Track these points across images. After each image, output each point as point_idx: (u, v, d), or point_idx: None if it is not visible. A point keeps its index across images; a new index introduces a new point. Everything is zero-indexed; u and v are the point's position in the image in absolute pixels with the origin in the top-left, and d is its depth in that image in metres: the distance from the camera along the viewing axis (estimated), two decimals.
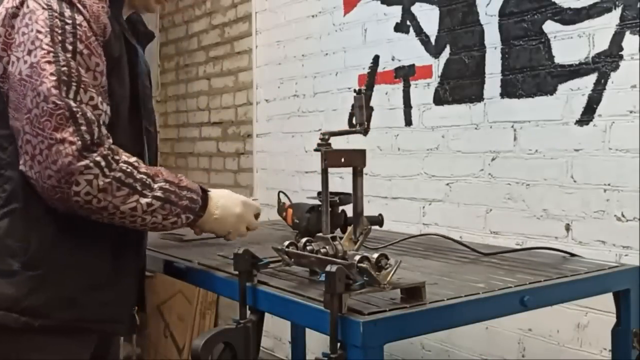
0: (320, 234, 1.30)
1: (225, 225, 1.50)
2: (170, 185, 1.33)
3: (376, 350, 1.07)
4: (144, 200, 1.28)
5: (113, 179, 1.24)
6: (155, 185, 1.30)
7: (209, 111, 4.16)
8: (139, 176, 1.28)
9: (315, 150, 1.27)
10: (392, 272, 1.14)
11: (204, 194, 1.44)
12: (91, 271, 1.35)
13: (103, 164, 1.23)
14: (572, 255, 1.68)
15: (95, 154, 1.23)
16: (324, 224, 1.29)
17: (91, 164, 1.22)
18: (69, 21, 1.26)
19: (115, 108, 1.34)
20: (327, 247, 1.26)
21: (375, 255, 1.14)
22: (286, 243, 1.34)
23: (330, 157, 1.27)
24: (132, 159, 1.29)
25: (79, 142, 1.21)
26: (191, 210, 1.38)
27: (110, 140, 1.28)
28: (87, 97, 1.24)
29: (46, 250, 1.30)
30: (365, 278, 1.14)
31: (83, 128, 1.22)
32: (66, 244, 1.32)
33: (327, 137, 1.27)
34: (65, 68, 1.23)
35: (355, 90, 1.32)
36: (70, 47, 1.24)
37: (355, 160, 1.31)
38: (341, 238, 1.29)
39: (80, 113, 1.23)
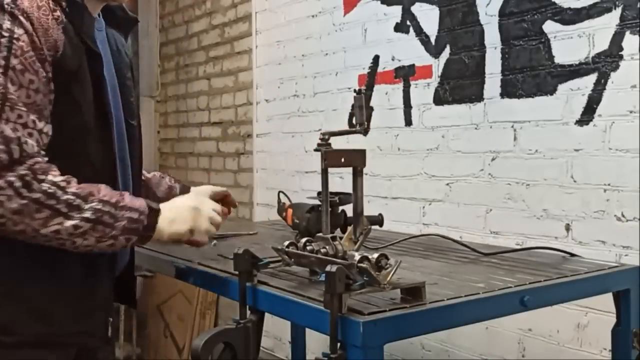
0: (320, 234, 1.30)
1: (183, 225, 1.36)
2: (104, 206, 1.22)
3: (376, 350, 1.07)
4: (68, 223, 1.19)
5: (30, 200, 1.16)
6: (86, 206, 1.20)
7: (209, 111, 4.16)
8: (64, 197, 1.19)
9: (316, 150, 1.27)
10: (392, 272, 1.14)
11: (152, 212, 1.30)
12: (61, 282, 1.30)
13: (18, 184, 1.15)
14: (572, 255, 1.68)
15: (10, 174, 1.15)
16: (324, 224, 1.29)
17: (4, 185, 1.14)
18: (6, 34, 1.18)
19: (81, 119, 1.27)
20: (327, 247, 1.26)
21: (375, 255, 1.14)
22: (286, 243, 1.34)
23: (330, 157, 1.27)
24: (60, 179, 1.19)
25: None
26: (132, 231, 1.26)
27: (38, 159, 1.18)
28: (15, 115, 1.17)
29: (10, 263, 1.26)
30: (365, 278, 1.14)
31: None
32: (32, 256, 1.26)
33: (327, 137, 1.27)
34: None
35: (355, 91, 1.32)
36: (2, 62, 1.17)
37: (355, 160, 1.31)
38: (341, 238, 1.29)
39: None
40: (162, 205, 1.34)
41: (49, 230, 1.18)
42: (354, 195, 1.31)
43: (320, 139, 1.27)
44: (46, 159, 1.20)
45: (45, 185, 1.17)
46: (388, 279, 1.14)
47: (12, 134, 1.16)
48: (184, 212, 1.37)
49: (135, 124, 1.48)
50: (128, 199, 1.27)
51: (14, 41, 1.19)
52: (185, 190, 1.74)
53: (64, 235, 1.19)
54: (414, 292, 1.17)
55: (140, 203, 1.29)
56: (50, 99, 1.23)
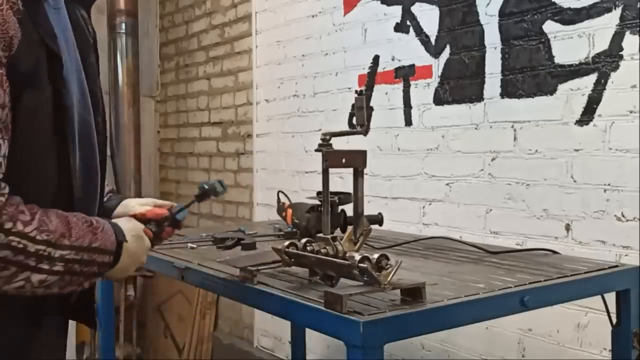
0: (320, 235, 1.30)
1: (128, 272, 1.21)
2: (77, 253, 1.05)
3: (376, 350, 1.07)
4: (36, 278, 1.02)
5: None
6: (56, 254, 1.03)
7: (209, 111, 4.16)
8: (33, 249, 1.00)
9: (316, 150, 1.27)
10: (392, 273, 1.14)
11: (119, 247, 1.15)
12: (4, 328, 1.11)
13: None
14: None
15: None
16: (324, 224, 1.29)
17: None
18: None
19: (36, 130, 1.07)
20: (327, 247, 1.26)
21: (376, 256, 1.14)
22: (286, 243, 1.34)
23: (331, 158, 1.27)
24: (30, 228, 1.00)
25: None
26: (97, 275, 1.12)
27: (2, 200, 0.97)
28: None
29: None
30: (365, 278, 1.14)
31: None
32: None
33: (328, 137, 1.28)
34: None
35: (356, 91, 1.32)
36: None
37: (356, 161, 1.31)
38: (341, 238, 1.29)
39: None
40: (127, 240, 1.17)
41: (13, 286, 1.01)
42: (354, 195, 1.31)
43: (321, 139, 1.28)
44: (7, 190, 0.99)
45: (14, 240, 0.98)
46: (388, 279, 1.14)
47: None
48: (141, 247, 1.22)
49: (100, 120, 1.26)
50: (100, 235, 1.10)
51: None
52: (120, 200, 1.53)
53: (28, 289, 1.03)
54: (414, 293, 1.17)
55: (111, 239, 1.13)
56: (7, 112, 1.01)
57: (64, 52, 1.10)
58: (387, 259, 1.15)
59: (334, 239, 1.26)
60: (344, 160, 1.29)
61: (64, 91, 1.10)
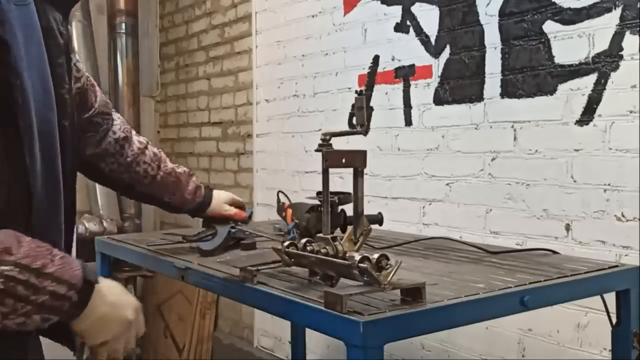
0: (320, 234, 1.30)
1: (108, 330, 1.06)
2: (21, 272, 0.90)
3: (376, 350, 1.07)
4: None
5: None
6: None
7: (209, 111, 4.16)
8: None
9: (317, 150, 1.27)
10: (392, 273, 1.14)
11: (87, 285, 0.98)
12: None
13: None
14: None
15: None
16: (325, 224, 1.29)
17: None
18: None
19: None
20: (327, 247, 1.26)
21: (376, 256, 1.14)
22: (286, 243, 1.34)
23: (331, 158, 1.27)
24: None
25: None
26: (54, 310, 0.94)
27: None
28: None
29: None
30: (365, 278, 1.14)
31: None
32: None
33: (328, 137, 1.27)
34: None
35: (356, 92, 1.32)
36: None
37: (356, 161, 1.31)
38: (341, 238, 1.29)
39: None
40: (103, 285, 1.03)
41: None
42: (354, 196, 1.31)
43: (321, 139, 1.28)
44: None
45: None
46: (389, 279, 1.14)
47: None
48: (117, 320, 1.06)
49: (67, 124, 1.12)
50: (58, 262, 0.94)
51: None
52: (208, 194, 1.75)
53: None
54: (414, 293, 1.17)
55: (73, 271, 0.96)
56: None
57: (20, 45, 0.99)
58: (387, 259, 1.15)
59: (334, 238, 1.26)
60: (344, 160, 1.29)
61: (15, 82, 0.97)
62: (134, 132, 1.64)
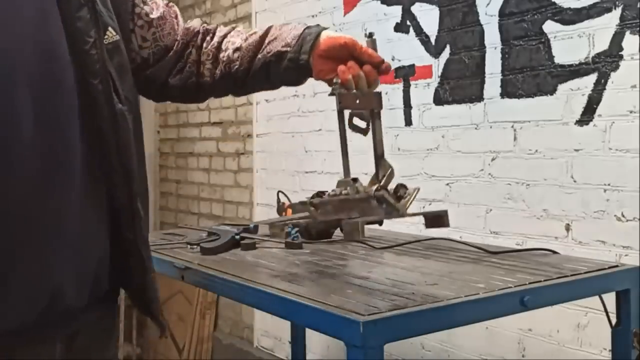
0: (341, 180, 1.28)
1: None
2: None
3: (376, 350, 1.07)
4: None
5: None
6: None
7: (209, 111, 4.16)
8: None
9: (330, 95, 1.24)
10: (410, 200, 1.12)
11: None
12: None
13: None
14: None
15: None
16: (345, 167, 1.27)
17: None
18: None
19: None
20: (348, 188, 1.24)
21: (393, 186, 1.12)
22: (311, 195, 1.32)
23: (345, 100, 1.23)
24: None
25: None
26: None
27: None
28: None
29: None
30: (384, 207, 1.11)
31: None
32: None
33: (339, 82, 1.23)
34: None
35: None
36: None
37: (371, 102, 1.27)
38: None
39: None
40: None
41: None
42: (373, 138, 1.27)
43: (334, 82, 1.24)
44: None
45: None
46: (407, 206, 1.11)
47: None
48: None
49: (97, 82, 1.01)
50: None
51: None
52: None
53: None
54: (437, 221, 1.14)
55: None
56: None
57: None
58: (405, 187, 1.13)
59: (355, 180, 1.25)
60: (358, 102, 1.25)
61: None
62: (223, 34, 1.36)
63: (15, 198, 0.91)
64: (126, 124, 1.06)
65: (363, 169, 1.44)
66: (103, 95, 1.01)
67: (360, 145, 1.43)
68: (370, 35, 1.27)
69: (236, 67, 1.32)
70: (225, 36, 1.34)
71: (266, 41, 1.31)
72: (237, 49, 1.32)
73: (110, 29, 1.05)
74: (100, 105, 1.01)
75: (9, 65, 0.90)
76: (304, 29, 1.29)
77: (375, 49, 1.26)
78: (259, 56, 1.31)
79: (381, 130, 1.27)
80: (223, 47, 1.33)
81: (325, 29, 1.26)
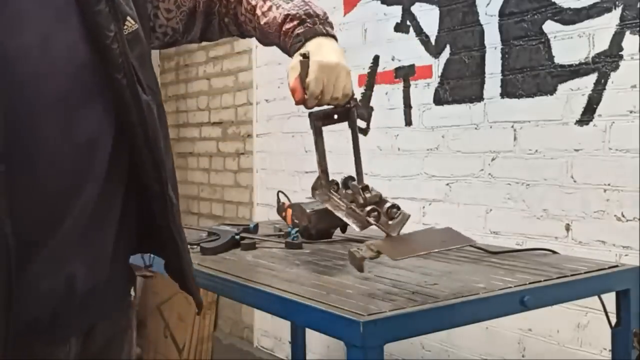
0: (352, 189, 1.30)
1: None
2: None
3: (376, 350, 1.07)
4: None
5: None
6: None
7: (209, 111, 4.16)
8: None
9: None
10: (402, 227, 1.16)
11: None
12: None
13: None
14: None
15: None
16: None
17: None
18: None
19: None
20: (357, 196, 1.28)
21: (387, 206, 1.16)
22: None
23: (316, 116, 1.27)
24: None
25: None
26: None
27: None
28: None
29: None
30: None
31: None
32: None
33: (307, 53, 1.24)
34: None
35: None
36: None
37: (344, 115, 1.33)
38: (372, 189, 1.31)
39: None
40: None
41: None
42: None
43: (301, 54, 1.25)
44: None
45: None
46: (398, 232, 1.19)
47: None
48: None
49: (121, 77, 1.00)
50: None
51: None
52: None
53: None
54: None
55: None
56: None
57: None
58: (398, 208, 1.17)
59: (365, 188, 1.27)
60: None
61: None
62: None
63: (44, 199, 0.95)
64: (152, 114, 1.06)
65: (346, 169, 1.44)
66: (128, 89, 1.01)
67: (360, 146, 1.43)
68: (304, 55, 1.27)
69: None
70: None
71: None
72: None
73: (129, 18, 1.04)
74: (126, 99, 1.01)
75: (32, 72, 0.91)
76: (293, 37, 1.35)
77: (306, 71, 1.24)
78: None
79: (357, 135, 1.30)
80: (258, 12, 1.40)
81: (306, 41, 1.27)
